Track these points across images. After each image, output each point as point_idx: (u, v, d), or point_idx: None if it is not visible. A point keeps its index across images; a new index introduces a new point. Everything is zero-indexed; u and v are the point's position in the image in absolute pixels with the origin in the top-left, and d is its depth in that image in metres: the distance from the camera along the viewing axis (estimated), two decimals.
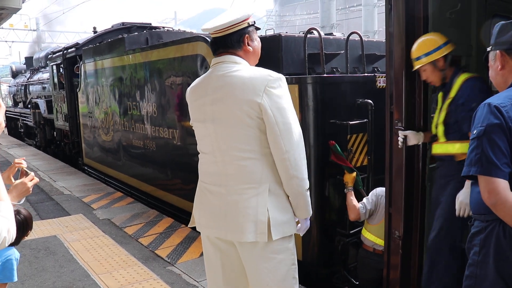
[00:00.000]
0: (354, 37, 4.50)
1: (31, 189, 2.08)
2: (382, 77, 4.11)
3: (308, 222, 2.20)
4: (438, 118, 3.07)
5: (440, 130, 3.03)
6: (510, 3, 3.77)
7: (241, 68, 2.04)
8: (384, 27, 3.11)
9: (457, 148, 2.94)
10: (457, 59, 3.07)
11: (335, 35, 5.21)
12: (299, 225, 2.17)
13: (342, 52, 4.44)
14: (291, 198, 2.08)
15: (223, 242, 2.14)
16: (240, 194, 2.01)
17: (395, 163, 3.11)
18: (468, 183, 2.67)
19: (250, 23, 2.10)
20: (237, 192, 2.02)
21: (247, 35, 2.09)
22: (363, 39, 4.58)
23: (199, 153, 2.21)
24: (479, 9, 3.64)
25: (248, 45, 2.10)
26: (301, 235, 2.21)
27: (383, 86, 4.02)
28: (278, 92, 1.97)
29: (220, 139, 2.04)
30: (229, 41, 2.06)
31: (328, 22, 21.17)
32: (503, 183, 1.80)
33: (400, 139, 2.99)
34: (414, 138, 2.98)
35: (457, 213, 2.68)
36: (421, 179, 3.09)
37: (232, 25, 2.04)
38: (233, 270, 2.19)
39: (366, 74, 4.39)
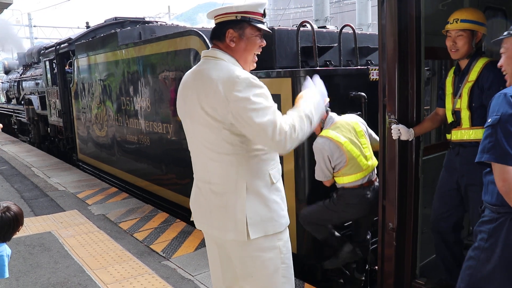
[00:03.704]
0: (348, 30, 4.50)
1: None
2: (375, 69, 4.11)
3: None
4: (459, 103, 2.97)
5: (466, 115, 2.94)
6: None
7: (216, 65, 1.92)
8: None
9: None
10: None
11: (328, 28, 5.20)
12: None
13: (335, 45, 4.44)
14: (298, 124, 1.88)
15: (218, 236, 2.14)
16: (220, 192, 1.98)
17: (388, 155, 3.12)
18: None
19: (240, 17, 1.91)
20: (217, 190, 1.99)
21: (231, 29, 1.93)
22: (356, 32, 4.58)
23: None
24: (472, 1, 3.64)
25: (232, 40, 1.95)
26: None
27: (376, 78, 4.02)
28: (244, 95, 1.80)
29: (194, 137, 2.04)
30: (215, 30, 2.00)
31: (322, 16, 21.04)
32: None
33: (396, 131, 2.99)
34: (405, 134, 2.97)
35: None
36: (414, 171, 3.10)
37: (219, 15, 1.95)
38: (229, 264, 2.16)
39: (359, 67, 4.40)
